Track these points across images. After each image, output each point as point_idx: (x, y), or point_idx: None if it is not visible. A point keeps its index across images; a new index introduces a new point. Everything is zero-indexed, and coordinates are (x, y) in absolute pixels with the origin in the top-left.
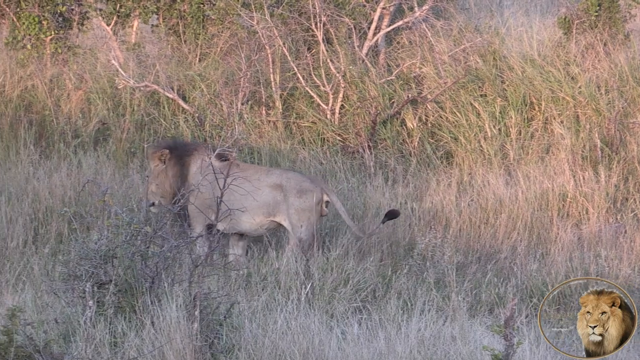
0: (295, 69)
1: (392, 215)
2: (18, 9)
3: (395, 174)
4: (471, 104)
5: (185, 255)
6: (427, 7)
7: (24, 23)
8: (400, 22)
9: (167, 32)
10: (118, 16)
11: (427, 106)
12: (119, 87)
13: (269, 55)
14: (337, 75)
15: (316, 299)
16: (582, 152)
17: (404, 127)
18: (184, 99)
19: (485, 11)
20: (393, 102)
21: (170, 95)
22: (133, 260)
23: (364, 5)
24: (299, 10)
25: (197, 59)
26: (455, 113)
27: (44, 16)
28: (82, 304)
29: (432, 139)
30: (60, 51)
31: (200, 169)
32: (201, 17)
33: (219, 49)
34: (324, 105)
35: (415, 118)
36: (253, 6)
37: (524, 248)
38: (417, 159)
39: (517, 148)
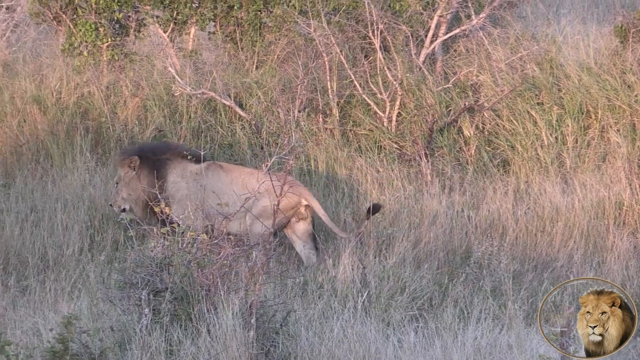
0: (352, 77)
1: (374, 209)
2: (75, 16)
3: (451, 181)
4: (528, 112)
5: (241, 263)
6: (484, 15)
7: (80, 30)
8: (457, 30)
9: (224, 40)
10: (175, 23)
11: (484, 114)
12: (176, 94)
13: (326, 63)
14: (394, 82)
15: (373, 307)
16: (639, 160)
17: (460, 135)
18: (240, 106)
19: (542, 19)
20: (450, 110)
21: (227, 103)
22: (189, 268)
23: (421, 13)
24: (356, 17)
25: (254, 66)
26: (512, 121)
27: (100, 23)
28: (138, 311)
29: (488, 146)
30: (117, 58)
31: (180, 177)
32: (258, 24)
33: (276, 57)
34: (380, 113)
35: (472, 126)
36: (310, 14)
37: (580, 256)
38: (474, 167)
39: (574, 156)
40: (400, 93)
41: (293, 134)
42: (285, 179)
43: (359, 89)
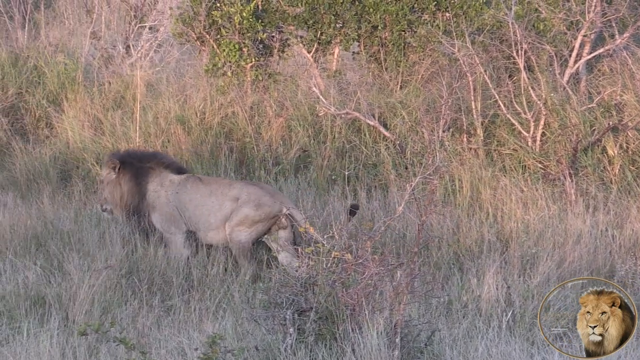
0: (497, 97)
1: (353, 210)
2: (218, 36)
3: (595, 201)
4: None
5: (386, 283)
6: (627, 34)
7: (224, 50)
8: (601, 50)
9: (368, 60)
10: (319, 43)
11: (628, 134)
12: (320, 114)
13: (470, 83)
14: (538, 102)
15: (517, 326)
16: None
17: (604, 154)
18: (385, 126)
19: None
20: (594, 130)
21: (372, 123)
22: (334, 288)
23: (565, 33)
24: (500, 37)
25: (398, 86)
26: None
27: (244, 43)
28: (282, 331)
29: (632, 166)
30: (260, 78)
31: (160, 185)
32: (402, 44)
33: (420, 76)
34: (525, 133)
35: (616, 145)
36: (454, 34)
37: None
38: (618, 187)
39: None
40: (544, 113)
41: (437, 154)
42: (266, 189)
43: (503, 108)
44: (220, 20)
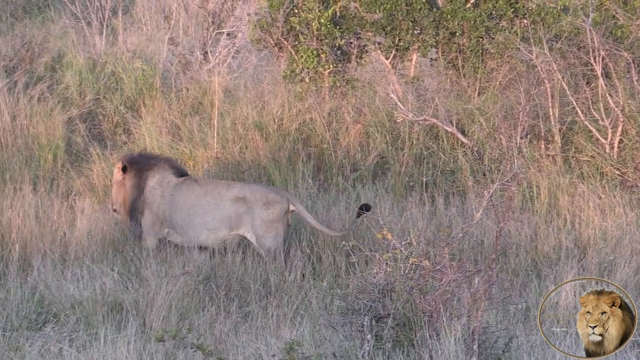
0: (574, 103)
1: (361, 211)
2: (296, 42)
3: None
4: None
5: (463, 290)
6: None
7: (302, 56)
8: None
9: (446, 66)
10: (397, 50)
11: None
12: (398, 120)
13: (548, 89)
14: (616, 109)
15: None
16: None
17: None
18: (462, 132)
19: None
20: None
21: (449, 129)
22: (411, 294)
23: None
24: (578, 44)
25: (476, 92)
26: None
27: (322, 49)
28: (360, 337)
29: None
30: (338, 84)
31: (159, 184)
32: (480, 51)
33: (497, 83)
34: (602, 140)
35: None
36: (532, 40)
37: None
38: None
39: None
40: (622, 119)
41: (515, 160)
42: (268, 186)
43: (581, 115)
44: (298, 26)
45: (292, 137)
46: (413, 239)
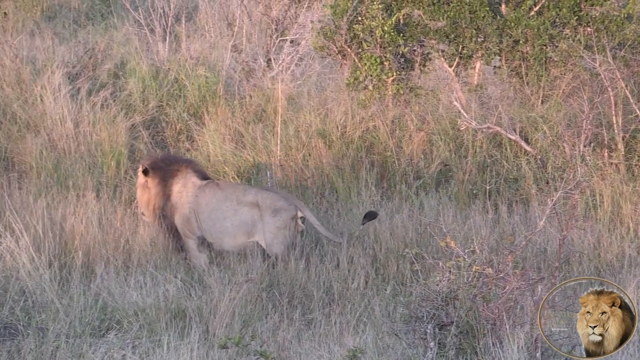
0: (638, 112)
1: (370, 216)
2: (360, 50)
3: None
4: None
5: (526, 297)
6: None
7: (365, 64)
8: None
9: (510, 74)
10: (460, 57)
11: None
12: (461, 128)
13: (612, 98)
14: None
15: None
16: None
17: None
18: (526, 140)
19: None
20: None
21: (513, 137)
22: (474, 302)
23: None
24: None
25: (540, 100)
26: None
27: (385, 57)
28: (423, 345)
29: None
30: (402, 92)
31: (184, 186)
32: (544, 59)
33: (561, 91)
34: None
35: None
36: (595, 48)
37: None
38: None
39: None
40: None
41: (578, 168)
42: (279, 193)
43: None
44: (361, 34)
45: (356, 145)
46: (476, 247)
